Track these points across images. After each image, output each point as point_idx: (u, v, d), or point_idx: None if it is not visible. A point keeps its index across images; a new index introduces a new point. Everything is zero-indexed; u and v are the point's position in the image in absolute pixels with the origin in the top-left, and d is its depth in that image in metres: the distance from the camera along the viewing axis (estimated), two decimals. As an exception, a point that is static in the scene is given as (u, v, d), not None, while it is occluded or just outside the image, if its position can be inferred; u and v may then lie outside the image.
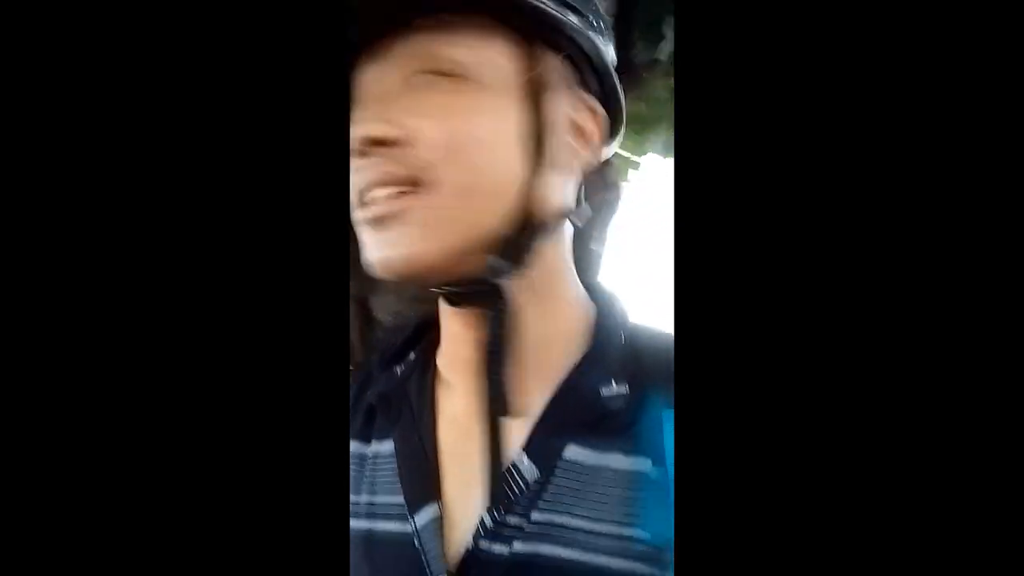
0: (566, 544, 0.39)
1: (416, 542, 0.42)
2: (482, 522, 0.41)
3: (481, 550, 0.40)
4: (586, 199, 0.47)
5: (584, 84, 0.45)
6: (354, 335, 1.06)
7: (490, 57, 0.40)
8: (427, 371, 0.49)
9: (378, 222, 0.40)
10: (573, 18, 0.42)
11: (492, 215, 0.40)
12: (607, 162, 0.53)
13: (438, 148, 0.38)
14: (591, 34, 0.43)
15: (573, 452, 0.41)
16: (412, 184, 0.39)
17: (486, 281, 0.41)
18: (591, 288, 0.50)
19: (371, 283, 1.02)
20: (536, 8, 0.39)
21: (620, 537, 0.38)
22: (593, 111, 0.45)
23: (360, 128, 0.39)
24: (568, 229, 0.48)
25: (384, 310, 1.06)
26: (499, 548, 0.40)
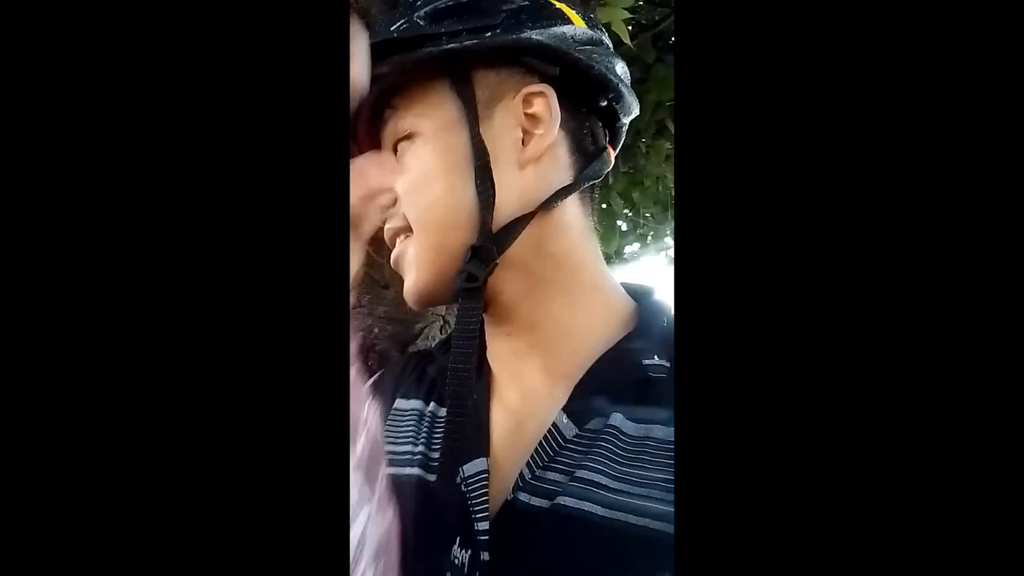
0: (604, 504, 0.41)
1: (463, 489, 0.46)
2: (521, 475, 0.44)
3: (520, 501, 0.44)
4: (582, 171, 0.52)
5: (539, 77, 0.49)
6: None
7: (435, 110, 0.48)
8: (479, 354, 0.54)
9: (396, 266, 0.51)
10: (496, 37, 0.47)
11: (461, 235, 0.47)
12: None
13: (411, 195, 0.48)
14: (516, 34, 0.47)
15: (618, 420, 0.44)
16: (405, 232, 0.50)
17: (467, 288, 0.47)
18: (628, 286, 0.54)
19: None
20: (437, 54, 0.47)
21: (658, 501, 0.40)
22: (541, 93, 0.49)
23: (372, 202, 0.48)
24: (576, 218, 0.51)
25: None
26: (538, 501, 0.43)
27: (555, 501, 0.42)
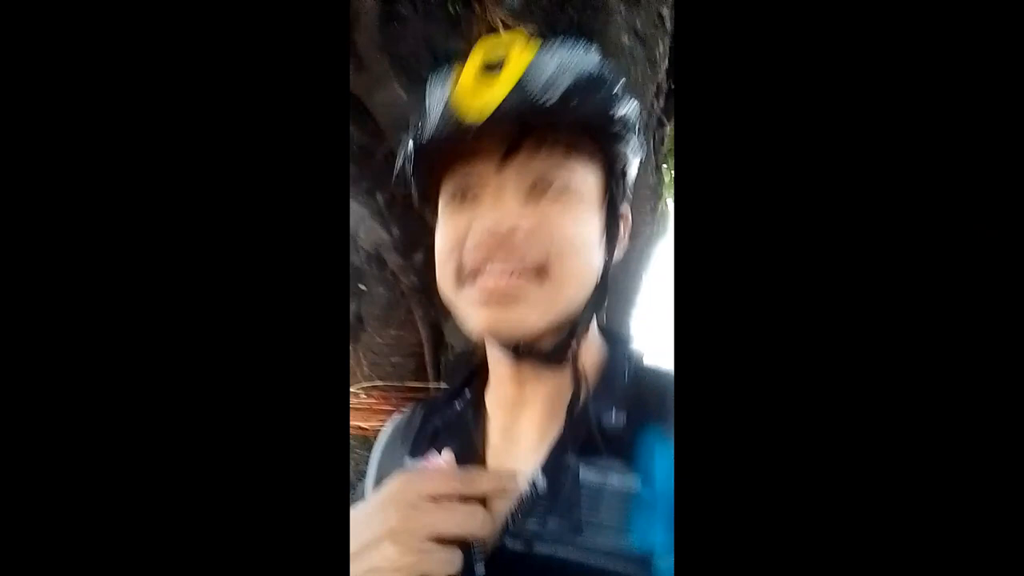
0: (572, 546, 0.47)
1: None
2: (506, 523, 0.50)
3: (506, 545, 0.49)
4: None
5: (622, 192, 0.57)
6: (428, 355, 1.14)
7: (584, 176, 0.52)
8: (479, 406, 0.61)
9: (497, 298, 0.50)
10: (632, 141, 0.53)
11: (582, 298, 0.53)
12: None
13: (552, 246, 0.50)
14: (632, 151, 0.54)
15: (584, 473, 0.50)
16: (528, 270, 0.50)
17: (564, 346, 0.53)
18: (604, 331, 0.60)
19: (444, 310, 1.11)
20: (616, 135, 0.52)
21: (615, 543, 0.46)
22: (624, 214, 0.58)
23: (487, 221, 0.50)
24: None
25: (455, 337, 1.13)
26: (519, 546, 0.49)
27: (533, 548, 0.48)
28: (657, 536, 0.44)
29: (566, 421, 0.53)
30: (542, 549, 0.48)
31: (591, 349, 0.57)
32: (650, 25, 1.11)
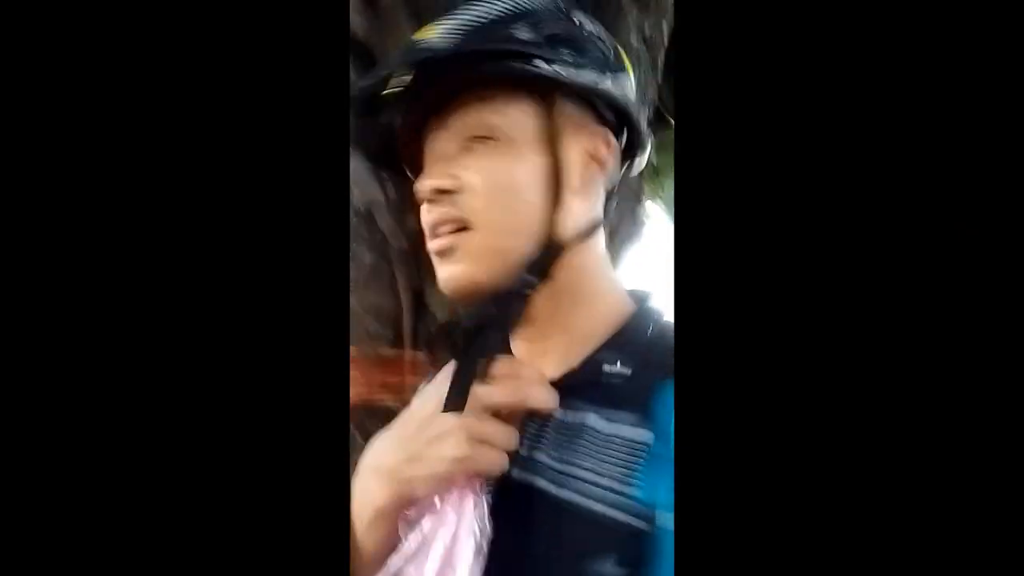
0: (574, 490, 0.47)
1: None
2: (518, 454, 0.50)
3: (512, 477, 0.49)
4: (615, 210, 0.59)
5: (600, 118, 0.56)
6: (407, 323, 1.11)
7: (516, 118, 0.53)
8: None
9: (441, 254, 0.53)
10: (587, 74, 0.53)
11: (523, 244, 0.52)
12: (633, 177, 0.65)
13: (482, 197, 0.52)
14: (599, 77, 0.54)
15: (593, 420, 0.50)
16: (465, 225, 0.52)
17: (518, 294, 0.53)
18: (633, 291, 0.62)
19: (428, 275, 1.09)
20: (551, 76, 0.51)
21: (619, 492, 0.46)
22: (607, 141, 0.56)
23: (428, 180, 0.53)
24: (600, 239, 0.58)
25: (439, 306, 1.11)
26: (524, 476, 0.50)
27: (535, 481, 0.49)
28: (664, 492, 0.43)
29: (573, 367, 0.53)
30: (545, 486, 0.48)
31: (609, 302, 0.57)
32: (656, 30, 1.18)
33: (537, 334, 0.56)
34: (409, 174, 0.59)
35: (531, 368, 0.53)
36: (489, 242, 0.52)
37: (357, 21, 1.05)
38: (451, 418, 0.47)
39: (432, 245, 0.54)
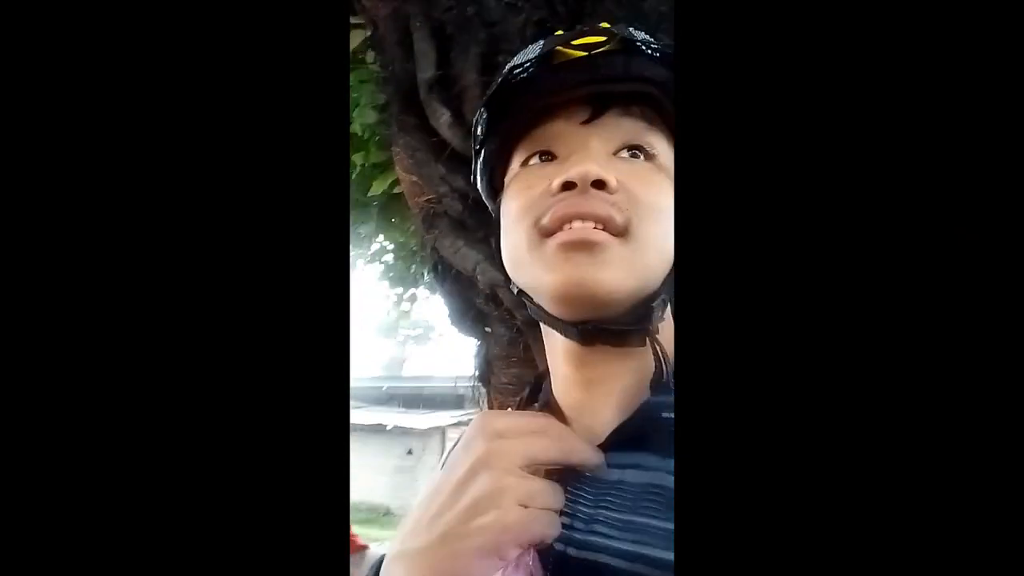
0: (610, 552, 0.41)
1: None
2: (572, 513, 0.45)
3: (563, 534, 0.43)
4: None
5: None
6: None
7: (662, 140, 0.52)
8: (550, 407, 0.56)
9: (578, 245, 0.46)
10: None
11: (661, 271, 0.48)
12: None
13: (641, 206, 0.48)
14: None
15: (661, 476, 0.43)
16: (615, 227, 0.47)
17: (643, 324, 0.47)
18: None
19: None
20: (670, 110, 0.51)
21: (657, 549, 0.39)
22: None
23: (581, 168, 0.47)
24: None
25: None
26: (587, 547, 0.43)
27: (581, 538, 0.43)
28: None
29: (639, 410, 0.47)
30: (607, 560, 0.41)
31: (666, 334, 0.49)
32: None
33: (596, 377, 0.50)
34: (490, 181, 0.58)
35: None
36: (638, 256, 0.47)
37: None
38: (488, 480, 0.40)
39: (566, 236, 0.47)
